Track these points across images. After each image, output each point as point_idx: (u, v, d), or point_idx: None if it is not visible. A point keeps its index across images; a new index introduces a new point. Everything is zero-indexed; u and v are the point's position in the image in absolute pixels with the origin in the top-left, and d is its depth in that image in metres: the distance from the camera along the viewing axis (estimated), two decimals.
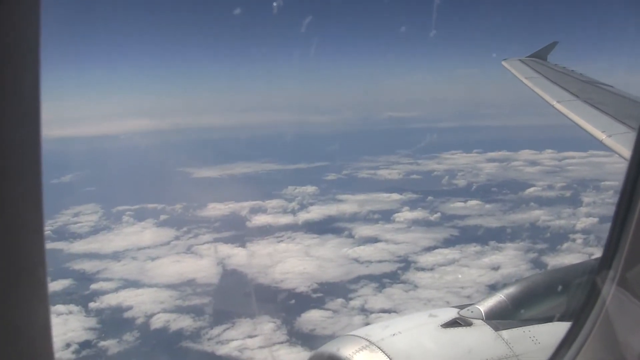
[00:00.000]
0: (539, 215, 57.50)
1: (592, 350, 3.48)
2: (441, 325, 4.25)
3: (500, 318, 4.36)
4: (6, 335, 1.57)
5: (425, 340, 4.18)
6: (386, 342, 4.03)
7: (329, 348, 4.12)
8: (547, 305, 4.51)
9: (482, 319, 4.34)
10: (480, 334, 4.23)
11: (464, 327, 4.26)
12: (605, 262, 3.48)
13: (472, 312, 4.41)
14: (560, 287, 4.62)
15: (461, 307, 4.52)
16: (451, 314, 4.40)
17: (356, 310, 39.86)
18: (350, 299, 41.51)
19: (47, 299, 1.69)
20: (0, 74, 1.49)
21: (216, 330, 38.09)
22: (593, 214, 53.84)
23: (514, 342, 4.18)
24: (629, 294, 3.32)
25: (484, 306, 4.43)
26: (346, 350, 3.99)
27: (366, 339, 4.05)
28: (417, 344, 4.13)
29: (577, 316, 3.68)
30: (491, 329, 4.26)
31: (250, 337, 37.02)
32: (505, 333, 4.23)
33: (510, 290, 4.60)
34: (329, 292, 42.46)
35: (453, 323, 4.28)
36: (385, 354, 3.93)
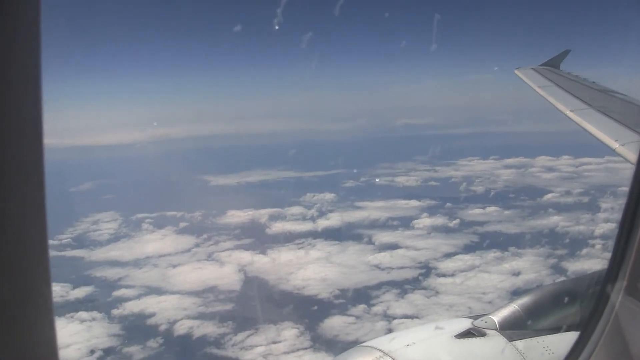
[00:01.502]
0: (558, 221, 57.24)
1: (601, 358, 3.49)
2: (455, 336, 4.27)
3: (514, 328, 4.38)
4: (11, 349, 1.57)
5: (439, 351, 4.20)
6: (400, 352, 4.06)
7: (343, 358, 4.17)
8: (561, 315, 4.52)
9: (496, 329, 4.35)
10: (494, 345, 4.25)
11: (478, 338, 4.28)
12: (612, 272, 3.49)
13: (485, 322, 4.42)
14: (573, 297, 4.62)
15: (475, 317, 4.54)
16: (465, 324, 4.42)
17: (379, 316, 39.82)
18: (373, 305, 41.48)
19: (52, 313, 1.69)
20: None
21: (240, 336, 38.15)
22: (611, 219, 53.47)
23: (527, 352, 4.19)
24: (637, 302, 3.33)
25: (497, 316, 4.45)
26: None
27: (380, 350, 4.07)
28: (431, 355, 4.17)
29: (585, 325, 3.71)
30: (505, 339, 4.27)
31: (275, 342, 37.10)
32: (519, 343, 4.24)
33: (524, 300, 4.61)
34: (351, 298, 42.37)
35: (467, 333, 4.30)
36: None
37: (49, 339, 1.68)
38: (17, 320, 1.58)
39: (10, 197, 1.54)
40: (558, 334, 4.32)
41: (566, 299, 4.60)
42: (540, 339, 4.29)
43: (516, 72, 16.20)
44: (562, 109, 12.11)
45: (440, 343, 4.25)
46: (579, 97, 12.60)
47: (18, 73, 1.52)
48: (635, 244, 3.29)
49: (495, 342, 4.26)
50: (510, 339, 4.26)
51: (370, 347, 4.16)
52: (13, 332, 1.57)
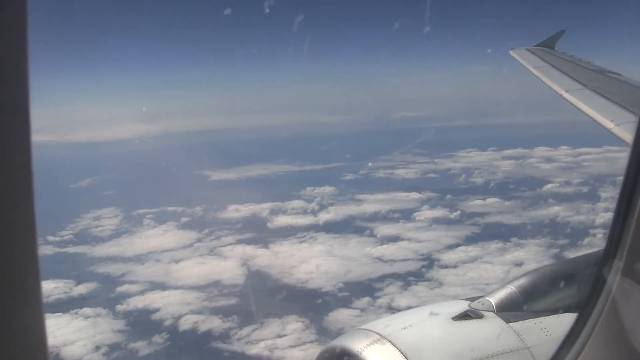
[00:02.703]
0: (558, 211, 57.49)
1: (599, 340, 3.47)
2: (452, 318, 4.26)
3: (511, 310, 4.34)
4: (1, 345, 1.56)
5: (436, 333, 4.20)
6: (397, 335, 4.06)
7: (340, 342, 4.16)
8: (558, 296, 4.50)
9: (493, 311, 4.33)
10: (491, 326, 4.23)
11: (475, 320, 4.26)
12: (609, 253, 3.45)
13: (482, 304, 4.39)
14: (570, 278, 4.59)
15: (472, 299, 4.51)
16: (462, 306, 4.40)
17: (383, 308, 39.92)
18: (377, 297, 41.72)
19: (41, 310, 1.66)
20: None
21: (245, 331, 38.31)
22: (611, 208, 53.06)
23: (525, 334, 4.18)
24: (635, 284, 3.28)
25: (494, 298, 4.41)
26: (357, 344, 4.02)
27: (377, 333, 4.07)
28: (428, 337, 4.16)
29: (583, 307, 3.65)
30: (502, 320, 4.25)
31: (280, 336, 37.24)
32: (516, 325, 4.22)
33: (521, 281, 4.56)
34: (354, 291, 42.56)
35: (464, 315, 4.28)
36: (396, 347, 3.95)
37: (39, 334, 1.67)
38: (6, 316, 1.56)
39: None
40: (555, 316, 4.30)
41: (563, 281, 4.59)
42: (537, 320, 4.27)
43: (511, 52, 16.05)
44: (557, 90, 12.01)
45: (437, 325, 4.24)
46: (574, 78, 12.52)
47: (3, 67, 1.49)
48: (631, 224, 3.23)
49: (492, 323, 4.24)
50: (508, 320, 4.24)
51: (367, 330, 4.16)
52: (2, 328, 1.55)
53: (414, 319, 4.35)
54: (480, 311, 4.31)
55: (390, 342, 3.98)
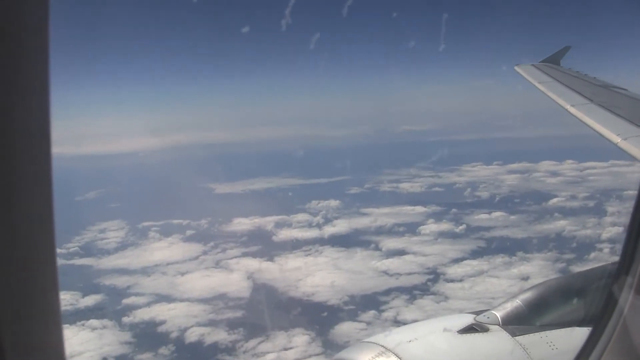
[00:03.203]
0: (564, 225, 57.25)
1: (612, 357, 3.43)
2: (458, 331, 4.27)
3: (517, 323, 4.36)
4: (20, 354, 1.56)
5: (442, 346, 4.21)
6: (402, 348, 4.05)
7: (346, 355, 4.19)
8: (564, 310, 4.53)
9: (499, 325, 4.35)
10: (497, 340, 4.25)
11: (481, 333, 4.27)
12: (622, 269, 3.45)
13: (488, 317, 4.41)
14: (577, 292, 4.64)
15: (477, 312, 4.54)
16: (467, 319, 4.42)
17: (389, 322, 39.84)
18: (383, 310, 41.66)
19: (59, 319, 1.68)
20: (9, 86, 1.47)
21: (251, 343, 38.27)
22: (618, 223, 53.52)
23: (531, 348, 4.18)
24: None
25: (500, 312, 4.44)
26: (363, 357, 4.03)
27: (382, 346, 4.08)
28: (434, 350, 4.18)
29: (596, 324, 3.64)
30: (508, 334, 4.27)
31: (286, 349, 37.25)
32: (522, 338, 4.24)
33: (527, 295, 4.60)
34: (360, 304, 42.52)
35: (470, 329, 4.29)
36: None
37: (57, 344, 1.69)
38: (25, 326, 1.57)
39: (19, 204, 1.53)
40: (561, 329, 4.32)
41: (569, 294, 4.64)
42: (543, 334, 4.29)
43: (516, 68, 16.09)
44: (562, 104, 12.03)
45: (442, 338, 4.27)
46: (579, 92, 12.54)
47: (27, 80, 1.51)
48: None
49: (498, 337, 4.27)
50: (513, 334, 4.27)
51: (372, 343, 4.18)
52: (21, 337, 1.56)
53: (420, 332, 4.37)
54: (486, 324, 4.35)
55: (395, 355, 4.00)
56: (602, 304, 3.65)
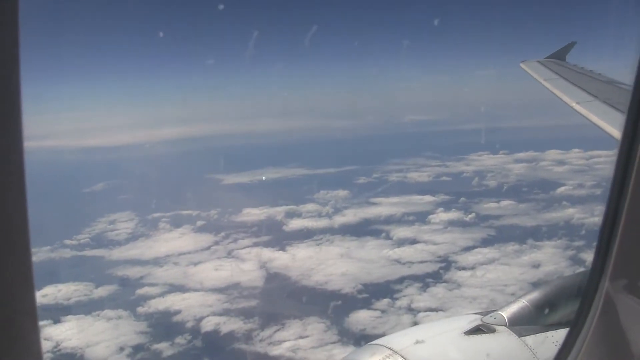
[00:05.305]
0: (573, 213, 57.40)
1: (591, 350, 3.50)
2: (464, 333, 4.28)
3: (524, 324, 4.39)
4: None
5: (448, 348, 4.21)
6: (409, 350, 4.07)
7: (352, 357, 4.21)
8: (570, 309, 4.33)
9: (506, 325, 4.37)
10: (504, 341, 4.27)
11: (487, 334, 4.29)
12: (597, 265, 3.47)
13: (495, 318, 4.43)
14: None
15: (484, 313, 4.56)
16: (474, 320, 4.45)
17: (403, 309, 40.14)
18: (396, 298, 41.79)
19: (36, 317, 1.68)
20: None
21: (267, 332, 38.47)
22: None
23: (537, 348, 4.22)
24: (622, 291, 3.33)
25: (506, 312, 4.46)
26: (370, 359, 4.06)
27: (389, 348, 4.09)
28: (440, 352, 4.20)
29: (575, 319, 3.68)
30: (515, 335, 4.30)
31: (302, 337, 37.45)
32: (529, 339, 4.27)
33: (533, 295, 4.60)
34: (374, 292, 42.78)
35: (476, 330, 4.31)
36: None
37: (34, 341, 1.69)
38: (1, 323, 1.57)
39: None
40: (568, 329, 4.20)
41: (575, 294, 4.45)
42: (550, 334, 4.32)
43: (522, 65, 16.13)
44: (568, 102, 12.07)
45: (449, 340, 4.28)
46: (585, 89, 12.56)
47: None
48: (618, 234, 3.29)
49: (504, 338, 4.29)
50: (520, 334, 4.30)
51: (379, 345, 4.20)
52: None
53: (426, 333, 4.37)
54: (493, 325, 4.39)
55: (402, 357, 4.03)
56: (580, 301, 3.69)
